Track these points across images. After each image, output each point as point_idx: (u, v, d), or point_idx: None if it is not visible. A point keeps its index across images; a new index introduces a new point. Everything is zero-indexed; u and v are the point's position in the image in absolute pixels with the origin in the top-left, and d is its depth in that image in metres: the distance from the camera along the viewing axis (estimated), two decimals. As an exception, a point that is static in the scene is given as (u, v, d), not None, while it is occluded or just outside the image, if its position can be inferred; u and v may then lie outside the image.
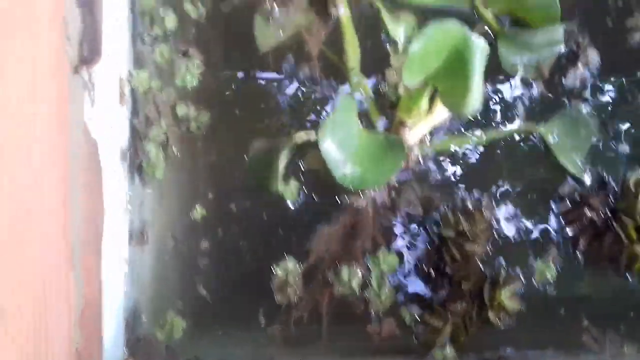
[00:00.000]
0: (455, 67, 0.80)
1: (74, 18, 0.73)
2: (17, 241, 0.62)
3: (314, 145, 0.87)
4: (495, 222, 0.97)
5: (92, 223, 0.78)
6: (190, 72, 0.90)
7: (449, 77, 0.81)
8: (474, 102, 0.80)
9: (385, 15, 0.96)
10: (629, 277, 0.96)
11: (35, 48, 0.68)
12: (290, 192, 0.91)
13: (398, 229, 0.97)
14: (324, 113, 0.96)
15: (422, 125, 0.94)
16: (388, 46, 0.96)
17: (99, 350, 0.85)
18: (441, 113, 0.94)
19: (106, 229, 0.84)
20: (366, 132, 0.90)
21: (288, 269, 0.93)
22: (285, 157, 0.86)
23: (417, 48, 0.80)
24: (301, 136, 0.87)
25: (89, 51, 0.75)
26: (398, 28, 0.95)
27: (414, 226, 0.98)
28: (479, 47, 0.78)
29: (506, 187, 0.98)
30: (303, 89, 0.97)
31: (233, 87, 0.96)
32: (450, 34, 0.79)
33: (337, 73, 0.97)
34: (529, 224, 0.98)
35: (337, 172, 0.83)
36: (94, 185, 0.78)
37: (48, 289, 0.68)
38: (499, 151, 0.98)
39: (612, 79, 0.99)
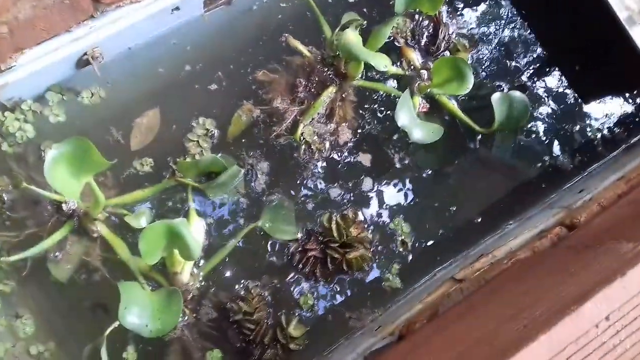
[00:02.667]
0: (174, 238, 1.29)
1: None
2: None
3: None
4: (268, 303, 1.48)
5: None
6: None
7: (175, 244, 1.31)
8: (196, 252, 1.30)
9: (128, 216, 1.45)
10: (353, 273, 1.53)
11: None
12: (131, 356, 1.38)
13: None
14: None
15: (187, 266, 1.44)
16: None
17: None
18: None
19: None
20: (153, 294, 1.36)
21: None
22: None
23: (144, 242, 1.27)
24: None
25: None
26: (140, 220, 1.46)
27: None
28: (183, 224, 1.29)
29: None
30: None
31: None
32: (162, 225, 1.29)
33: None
34: (286, 287, 1.51)
35: (145, 333, 1.28)
36: None
37: None
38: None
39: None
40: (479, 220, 1.61)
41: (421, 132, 1.55)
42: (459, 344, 1.02)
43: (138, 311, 1.30)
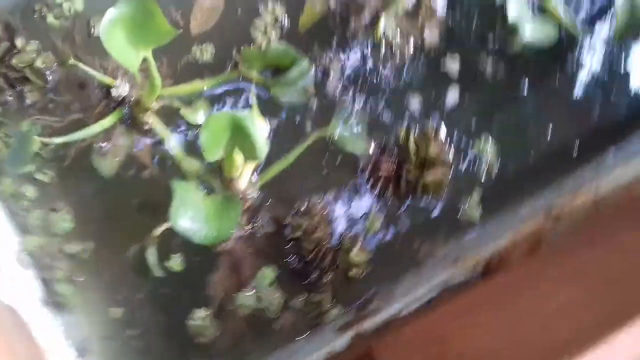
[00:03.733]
0: (239, 133, 1.12)
1: None
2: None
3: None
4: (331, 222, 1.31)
5: None
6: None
7: (239, 141, 1.14)
8: (262, 151, 1.13)
9: (184, 109, 1.28)
10: (428, 198, 1.34)
11: None
12: (176, 265, 1.24)
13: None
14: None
15: (245, 172, 1.27)
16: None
17: None
18: (251, 158, 1.27)
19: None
20: (208, 198, 1.21)
21: (202, 316, 1.25)
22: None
23: (207, 133, 1.11)
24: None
25: None
26: (196, 115, 1.28)
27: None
28: (249, 117, 1.11)
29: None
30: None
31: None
32: (227, 116, 1.11)
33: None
34: (352, 208, 1.33)
35: (196, 238, 1.13)
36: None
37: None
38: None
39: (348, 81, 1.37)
40: (578, 144, 1.38)
41: (536, 29, 1.29)
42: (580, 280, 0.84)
43: (192, 214, 1.14)
